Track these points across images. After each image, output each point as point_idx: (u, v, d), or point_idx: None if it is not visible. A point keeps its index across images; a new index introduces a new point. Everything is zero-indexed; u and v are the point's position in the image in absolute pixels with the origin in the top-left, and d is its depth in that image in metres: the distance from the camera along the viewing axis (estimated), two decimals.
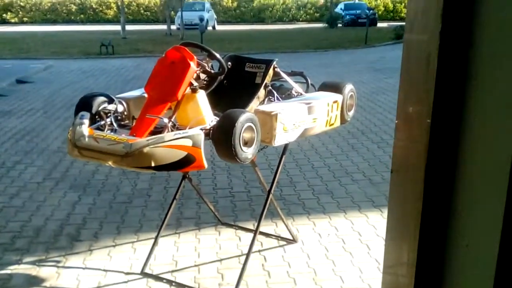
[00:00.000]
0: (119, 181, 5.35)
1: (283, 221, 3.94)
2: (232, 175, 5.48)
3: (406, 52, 1.19)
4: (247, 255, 3.43)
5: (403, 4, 43.48)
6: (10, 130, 7.57)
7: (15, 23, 37.83)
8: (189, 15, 28.17)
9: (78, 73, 13.95)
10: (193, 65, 2.95)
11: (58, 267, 3.68)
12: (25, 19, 39.14)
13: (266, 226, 4.19)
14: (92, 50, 19.06)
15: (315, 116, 3.26)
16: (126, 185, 5.25)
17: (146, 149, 2.56)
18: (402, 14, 42.10)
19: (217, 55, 3.19)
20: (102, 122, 2.98)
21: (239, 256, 3.81)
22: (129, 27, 27.43)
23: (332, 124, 3.47)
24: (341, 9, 36.15)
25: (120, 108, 3.12)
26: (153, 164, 2.57)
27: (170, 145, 2.58)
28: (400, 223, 1.23)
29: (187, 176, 3.75)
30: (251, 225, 4.27)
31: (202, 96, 2.99)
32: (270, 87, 3.41)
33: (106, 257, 3.82)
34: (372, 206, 4.66)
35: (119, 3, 30.69)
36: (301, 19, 42.82)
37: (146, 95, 3.29)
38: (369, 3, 41.55)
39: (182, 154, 2.59)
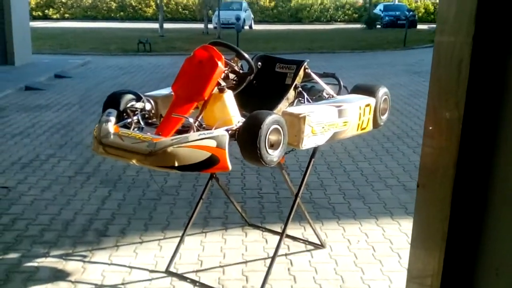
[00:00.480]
0: (149, 178, 5.35)
1: (310, 225, 3.84)
2: (261, 176, 5.41)
3: (437, 57, 1.09)
4: (273, 258, 3.36)
5: None
6: (46, 123, 7.70)
7: (56, 19, 38.72)
8: (226, 14, 28.26)
9: (115, 69, 14.14)
10: (220, 64, 2.90)
11: (84, 261, 3.69)
12: (66, 15, 40.03)
13: (294, 229, 4.10)
14: (130, 47, 19.32)
15: (346, 119, 3.16)
16: (157, 181, 5.24)
17: (170, 149, 2.52)
18: None
19: (245, 55, 3.12)
20: (129, 120, 2.96)
21: (265, 258, 3.74)
22: (167, 25, 27.73)
23: (364, 128, 3.36)
24: (380, 10, 35.64)
25: (148, 106, 3.10)
26: (176, 164, 2.53)
27: (194, 145, 2.53)
28: (425, 241, 1.14)
29: (214, 175, 3.70)
30: (278, 228, 4.18)
31: (229, 96, 2.93)
32: (300, 89, 3.32)
33: (132, 253, 3.80)
34: (405, 213, 4.51)
35: (158, 2, 31.11)
36: (339, 19, 42.40)
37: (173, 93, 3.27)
38: (409, 4, 40.83)
39: (206, 154, 2.53)
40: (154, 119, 3.15)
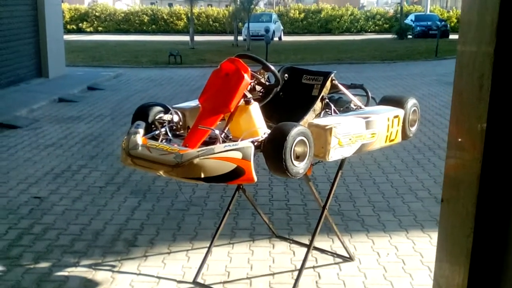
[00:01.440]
0: (178, 188, 5.39)
1: (338, 238, 3.80)
2: (289, 187, 5.39)
3: (459, 68, 1.06)
4: (300, 270, 3.33)
5: None
6: (78, 134, 7.86)
7: (90, 32, 39.64)
8: (255, 26, 28.41)
9: (147, 81, 14.35)
10: (246, 77, 2.91)
11: (113, 271, 3.73)
12: (99, 28, 40.94)
13: (322, 241, 4.06)
14: (161, 60, 19.61)
15: (373, 131, 3.12)
16: (185, 192, 5.27)
17: (196, 160, 2.54)
18: None
19: (271, 67, 3.13)
20: (157, 132, 3.00)
21: (292, 271, 3.71)
22: (197, 38, 28.06)
23: (393, 140, 3.32)
24: (411, 20, 35.28)
25: (176, 118, 3.13)
26: (202, 176, 2.54)
27: (220, 157, 2.54)
28: (450, 256, 1.10)
29: (241, 186, 3.70)
30: (306, 240, 4.14)
31: (255, 108, 2.94)
32: (327, 100, 3.31)
33: (160, 264, 3.83)
34: (436, 226, 4.38)
35: (189, 15, 31.51)
36: (369, 30, 42.17)
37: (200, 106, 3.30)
38: (441, 14, 40.31)
39: (231, 166, 2.54)
40: (182, 131, 3.18)
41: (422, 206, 4.89)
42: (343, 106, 3.41)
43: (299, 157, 2.68)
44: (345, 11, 42.63)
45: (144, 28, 41.37)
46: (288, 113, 3.25)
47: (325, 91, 3.31)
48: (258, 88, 3.17)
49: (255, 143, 2.67)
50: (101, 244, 4.16)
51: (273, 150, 2.61)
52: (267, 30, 20.97)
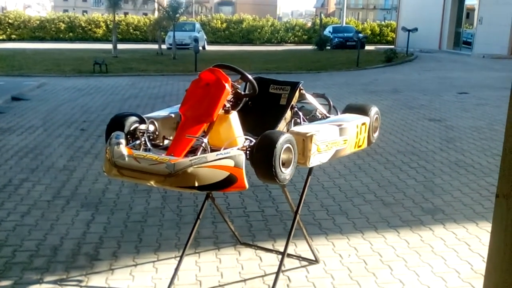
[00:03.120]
0: (131, 200, 5.31)
1: (307, 242, 3.94)
2: (244, 195, 5.46)
3: None
4: (276, 276, 3.43)
5: (389, 28, 44.26)
6: (12, 147, 7.48)
7: (2, 40, 37.63)
8: (180, 35, 28.36)
9: (73, 91, 13.88)
10: (228, 86, 2.98)
11: (80, 286, 3.63)
12: (13, 36, 38.99)
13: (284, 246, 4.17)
14: (85, 68, 19.01)
15: (346, 138, 3.30)
16: (139, 203, 5.20)
17: (190, 169, 2.56)
18: (389, 38, 42.84)
19: (250, 77, 3.22)
20: (137, 142, 2.99)
21: (263, 276, 3.79)
22: (119, 46, 27.45)
23: (360, 146, 3.53)
24: (329, 32, 36.65)
25: (152, 128, 3.14)
26: (196, 184, 2.57)
27: (213, 165, 2.59)
28: (505, 250, 1.20)
29: (211, 195, 3.75)
30: (270, 245, 4.26)
31: (234, 117, 3.02)
32: (296, 109, 3.45)
33: (128, 276, 3.77)
34: (388, 226, 4.68)
35: (109, 23, 30.82)
36: (289, 41, 43.30)
37: (173, 115, 3.33)
38: (356, 26, 42.22)
39: (224, 174, 2.59)
40: (158, 141, 3.18)
41: (372, 208, 5.15)
42: (308, 114, 3.57)
43: (284, 164, 2.78)
44: (265, 22, 43.57)
45: (61, 35, 39.97)
46: (258, 121, 3.35)
47: (294, 100, 3.45)
48: (229, 97, 3.24)
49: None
50: (62, 259, 4.02)
51: (262, 158, 2.69)
52: (195, 40, 20.96)
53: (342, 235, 4.51)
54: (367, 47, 33.22)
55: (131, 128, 3.06)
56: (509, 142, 1.22)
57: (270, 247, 4.24)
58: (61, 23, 40.24)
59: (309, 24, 46.69)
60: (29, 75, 16.95)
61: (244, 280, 3.74)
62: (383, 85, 15.10)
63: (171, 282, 3.59)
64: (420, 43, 29.34)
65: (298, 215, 3.55)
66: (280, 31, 43.64)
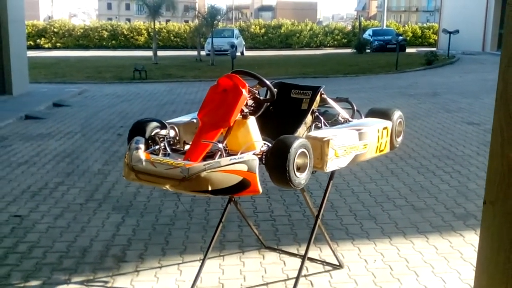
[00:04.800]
0: (160, 203, 5.40)
1: (329, 246, 3.90)
2: (271, 199, 5.47)
3: (503, 85, 1.16)
4: (296, 280, 3.41)
5: (431, 30, 43.44)
6: (50, 152, 7.73)
7: (48, 48, 38.95)
8: (218, 41, 28.69)
9: (113, 97, 14.23)
10: (245, 92, 2.99)
11: (106, 287, 3.71)
12: (58, 44, 40.30)
13: (310, 250, 4.10)
14: (125, 75, 19.47)
15: (365, 142, 3.26)
16: (168, 207, 5.28)
17: (203, 174, 2.59)
18: (431, 40, 42.02)
19: (268, 82, 3.22)
20: (157, 147, 3.04)
21: (285, 280, 3.78)
22: (159, 53, 27.97)
23: (382, 150, 3.48)
24: (369, 35, 36.27)
25: (172, 133, 3.18)
26: (210, 188, 2.60)
27: (226, 169, 2.61)
28: (491, 257, 1.19)
29: (233, 199, 3.77)
30: (295, 250, 4.24)
31: (252, 122, 3.03)
32: (317, 113, 3.43)
33: (153, 278, 3.83)
34: (417, 232, 4.59)
35: (150, 30, 31.55)
36: (328, 44, 43.08)
37: (195, 120, 3.36)
38: (397, 29, 41.58)
39: (238, 178, 2.61)
40: (178, 146, 3.23)
41: (401, 213, 5.06)
42: (331, 119, 3.54)
43: (299, 169, 2.77)
44: (304, 26, 43.49)
45: (104, 43, 41.03)
46: (279, 126, 3.34)
47: (315, 105, 3.43)
48: (250, 102, 3.26)
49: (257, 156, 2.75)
50: (90, 260, 4.13)
51: (276, 162, 2.70)
52: (232, 46, 21.18)
53: (368, 240, 4.45)
54: (408, 50, 32.69)
55: (152, 134, 3.12)
56: (494, 149, 1.19)
57: (295, 251, 4.22)
58: (104, 31, 41.36)
59: (349, 28, 46.35)
60: (71, 82, 17.50)
61: (267, 284, 3.75)
62: (422, 88, 14.83)
63: (194, 284, 3.63)
64: (462, 45, 28.66)
65: (319, 220, 3.52)
66: (319, 35, 43.46)
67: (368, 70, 20.96)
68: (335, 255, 3.93)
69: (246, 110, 3.06)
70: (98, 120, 10.49)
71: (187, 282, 3.72)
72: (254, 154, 2.78)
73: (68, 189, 5.94)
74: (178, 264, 4.06)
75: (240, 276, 3.87)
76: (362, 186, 5.93)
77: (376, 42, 34.41)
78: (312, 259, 4.06)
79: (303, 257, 3.45)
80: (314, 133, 3.11)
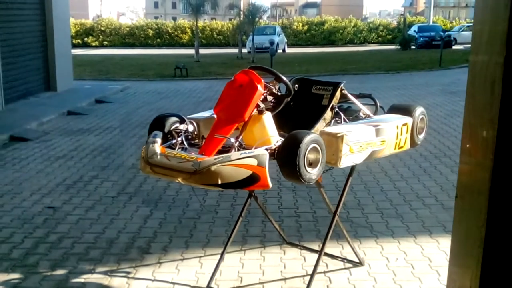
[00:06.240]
0: (188, 197, 5.49)
1: (349, 243, 3.88)
2: (298, 195, 5.47)
3: (471, 76, 1.15)
4: (312, 275, 3.41)
5: None
6: (88, 146, 7.98)
7: (95, 46, 40.03)
8: (260, 39, 28.72)
9: (153, 94, 14.51)
10: (260, 88, 3.01)
11: (128, 278, 3.82)
12: (105, 42, 41.34)
13: (332, 247, 4.14)
14: (167, 73, 19.79)
15: (383, 138, 3.22)
16: (195, 201, 5.37)
17: (213, 167, 2.63)
18: None
19: (284, 78, 3.23)
20: (174, 141, 3.10)
21: (304, 276, 3.78)
22: (202, 51, 28.29)
23: (402, 147, 3.42)
24: (414, 31, 35.49)
25: (191, 128, 3.23)
26: (219, 182, 2.64)
27: (236, 164, 2.64)
28: (464, 249, 1.19)
29: (253, 194, 3.80)
30: (316, 246, 4.23)
31: (268, 118, 3.05)
32: (337, 109, 3.40)
33: (174, 270, 3.91)
34: (444, 231, 4.49)
35: (194, 28, 31.93)
36: (372, 41, 42.39)
37: (215, 116, 3.40)
38: (444, 25, 40.51)
39: (247, 173, 2.63)
40: (197, 140, 3.27)
41: (430, 212, 4.96)
42: (353, 115, 3.51)
43: (311, 164, 2.77)
44: (348, 23, 42.94)
45: (149, 42, 41.75)
46: (299, 122, 3.34)
47: (335, 101, 3.41)
48: (269, 98, 3.27)
49: (269, 151, 2.77)
50: (115, 251, 4.25)
51: (287, 157, 2.71)
52: (272, 43, 21.19)
53: (393, 239, 4.39)
54: (455, 47, 31.79)
55: (171, 128, 3.18)
56: (463, 144, 1.18)
57: (316, 248, 4.21)
58: (149, 30, 42.12)
59: (394, 24, 45.47)
60: (114, 79, 17.94)
61: (285, 279, 3.76)
62: (464, 86, 14.21)
63: (212, 277, 3.69)
64: None
65: (337, 216, 3.50)
66: (363, 32, 42.82)
67: (410, 67, 20.53)
68: (354, 252, 3.90)
69: (262, 105, 3.07)
70: (137, 116, 10.73)
71: (207, 274, 3.78)
72: (267, 149, 2.80)
73: (101, 183, 6.12)
74: (200, 257, 4.13)
75: (259, 270, 3.90)
76: (392, 184, 5.84)
77: (421, 39, 33.59)
78: (333, 256, 4.05)
79: (319, 253, 3.44)
80: (329, 128, 3.10)
